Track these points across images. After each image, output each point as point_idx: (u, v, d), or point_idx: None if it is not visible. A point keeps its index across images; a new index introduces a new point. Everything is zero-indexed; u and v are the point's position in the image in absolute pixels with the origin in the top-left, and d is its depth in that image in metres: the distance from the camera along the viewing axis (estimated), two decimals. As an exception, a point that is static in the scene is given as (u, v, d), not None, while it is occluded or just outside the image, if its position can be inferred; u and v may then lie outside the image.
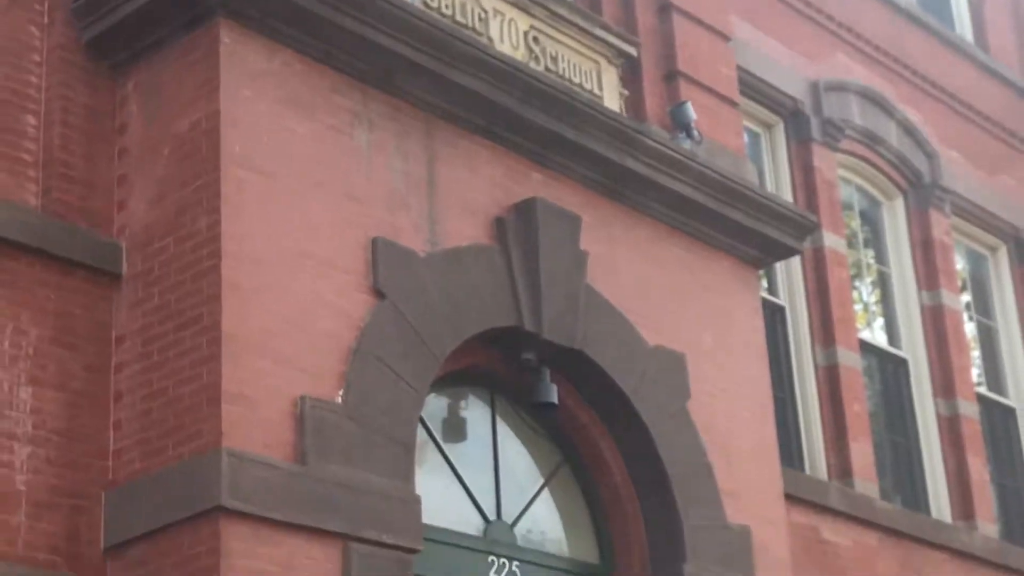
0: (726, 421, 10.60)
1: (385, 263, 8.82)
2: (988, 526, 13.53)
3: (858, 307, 13.76)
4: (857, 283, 13.91)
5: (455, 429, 9.72)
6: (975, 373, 14.57)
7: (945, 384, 13.81)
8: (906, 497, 13.23)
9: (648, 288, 10.45)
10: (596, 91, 10.86)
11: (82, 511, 8.00)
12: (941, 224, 14.48)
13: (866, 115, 14.12)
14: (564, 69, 10.65)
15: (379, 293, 8.75)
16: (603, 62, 11.03)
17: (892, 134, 14.35)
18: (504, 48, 10.20)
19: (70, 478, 8.00)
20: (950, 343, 13.95)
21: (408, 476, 8.53)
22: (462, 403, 9.82)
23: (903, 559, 12.48)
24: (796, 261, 12.88)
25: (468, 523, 9.48)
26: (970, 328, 14.87)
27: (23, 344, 8.04)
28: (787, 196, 13.15)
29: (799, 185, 13.37)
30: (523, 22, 10.47)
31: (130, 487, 8.06)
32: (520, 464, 10.02)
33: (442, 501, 9.24)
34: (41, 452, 7.94)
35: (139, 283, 8.42)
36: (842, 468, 12.43)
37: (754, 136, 13.41)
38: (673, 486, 10.01)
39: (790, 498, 11.22)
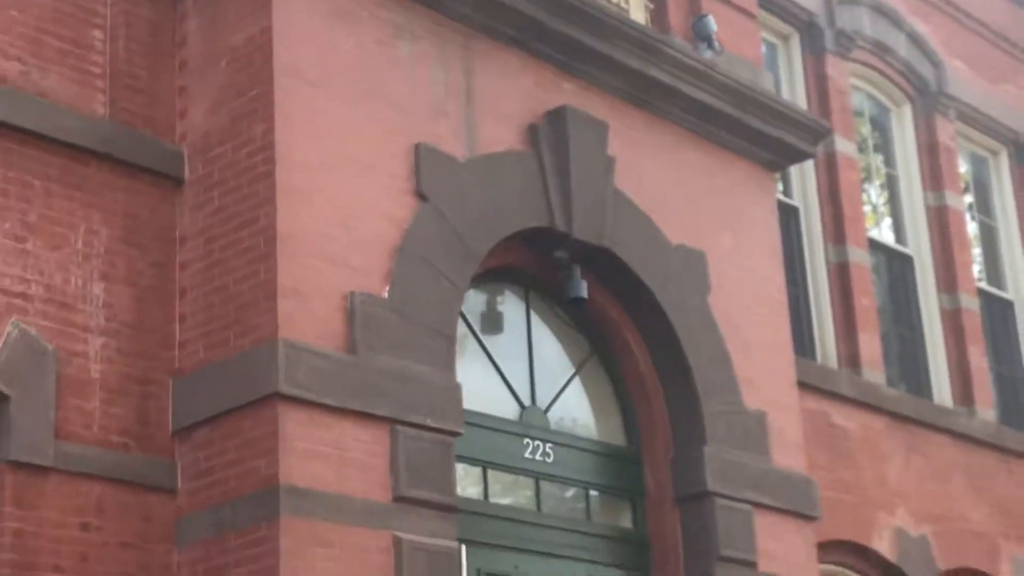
0: (743, 314, 10.65)
1: (427, 168, 8.85)
2: (986, 411, 13.58)
3: (867, 208, 13.74)
4: (867, 185, 13.87)
5: (493, 322, 9.79)
6: (976, 269, 14.56)
7: (948, 279, 13.82)
8: (910, 384, 13.28)
9: (671, 190, 10.46)
10: (623, 4, 10.79)
11: (151, 397, 8.11)
12: (946, 129, 14.42)
13: (876, 27, 14.02)
14: (593, -16, 10.60)
15: (422, 196, 8.79)
16: (629, -23, 10.98)
17: (901, 45, 14.25)
18: (536, -36, 10.14)
19: (140, 367, 8.11)
20: (953, 241, 13.94)
21: (450, 365, 8.61)
22: (499, 298, 9.88)
23: (907, 442, 12.56)
24: (810, 165, 12.85)
25: (505, 408, 9.56)
26: (972, 227, 14.83)
27: (95, 243, 8.12)
28: (801, 103, 13.09)
29: (813, 93, 13.32)
30: (554, -61, 10.41)
31: (195, 375, 8.17)
32: (553, 354, 10.08)
33: (481, 388, 9.31)
34: (113, 343, 8.04)
35: (200, 187, 8.48)
36: (851, 357, 12.48)
37: (771, 47, 13.33)
38: (694, 374, 10.08)
39: (802, 385, 11.26)
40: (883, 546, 11.90)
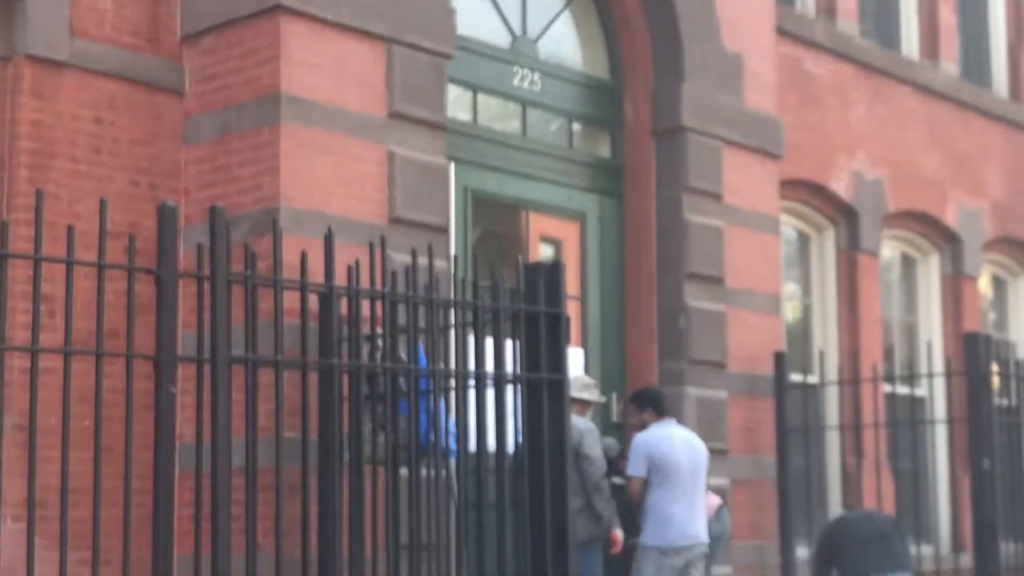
0: (730, -39, 10.41)
1: None
2: (950, 65, 13.47)
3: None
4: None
5: (489, -49, 9.56)
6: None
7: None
8: (882, 36, 13.09)
9: None
10: None
11: (161, 2, 7.93)
12: None
13: None
14: None
15: None
16: None
17: None
18: None
19: (150, -29, 7.93)
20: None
21: (447, -11, 8.46)
22: (497, -72, 9.61)
23: (873, 90, 12.47)
24: None
25: (497, 36, 9.45)
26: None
27: None
28: None
29: None
30: None
31: (203, -17, 8.01)
32: (545, -14, 9.91)
33: (475, 15, 9.17)
34: (117, -63, 7.80)
35: None
36: (828, 6, 12.22)
37: None
38: (679, 15, 9.92)
39: (780, 31, 11.12)
40: (840, 187, 11.99)
